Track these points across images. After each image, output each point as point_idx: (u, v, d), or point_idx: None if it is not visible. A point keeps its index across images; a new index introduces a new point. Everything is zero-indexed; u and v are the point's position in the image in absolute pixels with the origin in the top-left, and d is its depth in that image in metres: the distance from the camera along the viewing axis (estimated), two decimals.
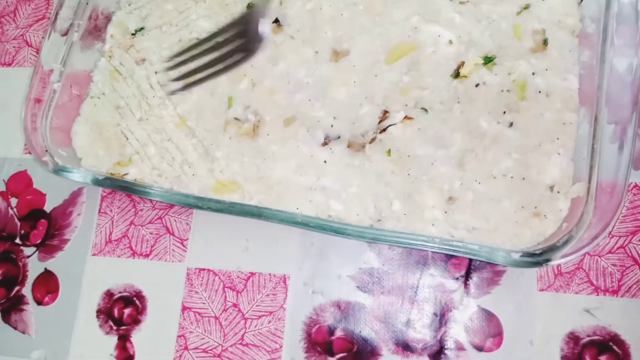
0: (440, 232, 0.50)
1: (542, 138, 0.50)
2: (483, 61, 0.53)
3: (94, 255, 0.62)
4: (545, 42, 0.53)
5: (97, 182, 0.54)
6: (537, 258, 0.45)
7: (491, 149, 0.50)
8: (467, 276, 0.54)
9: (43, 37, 0.70)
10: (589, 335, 0.51)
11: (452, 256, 0.54)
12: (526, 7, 0.54)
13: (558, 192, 0.48)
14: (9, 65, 0.71)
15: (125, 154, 0.58)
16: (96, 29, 0.63)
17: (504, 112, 0.51)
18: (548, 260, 0.44)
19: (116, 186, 0.55)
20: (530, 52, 0.53)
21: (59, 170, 0.55)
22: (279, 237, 0.58)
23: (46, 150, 0.56)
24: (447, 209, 0.50)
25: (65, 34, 0.60)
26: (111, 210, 0.63)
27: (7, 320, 0.62)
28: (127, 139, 0.59)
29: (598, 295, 0.52)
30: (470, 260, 0.54)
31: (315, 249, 0.57)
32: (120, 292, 0.60)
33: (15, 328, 0.61)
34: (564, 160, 0.49)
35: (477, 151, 0.51)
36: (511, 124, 0.51)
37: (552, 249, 0.45)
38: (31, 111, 0.57)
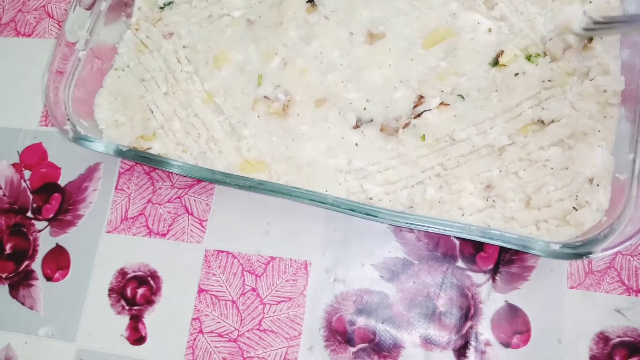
0: (476, 221, 0.48)
1: (584, 130, 0.49)
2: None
3: (108, 232, 0.60)
4: None
5: (120, 153, 0.52)
6: (577, 250, 0.43)
7: (532, 138, 0.49)
8: (495, 270, 0.52)
9: (66, 9, 0.69)
10: (619, 336, 0.50)
11: (480, 249, 0.53)
12: None
13: (597, 185, 0.47)
14: (29, 36, 0.69)
15: (149, 127, 0.57)
16: (122, 2, 0.62)
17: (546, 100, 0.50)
18: (589, 253, 0.43)
19: (140, 158, 0.53)
20: None
21: (80, 139, 0.53)
22: (301, 222, 0.56)
23: (68, 119, 0.54)
24: (483, 197, 0.49)
25: (90, 7, 0.58)
26: (128, 187, 0.61)
27: (14, 295, 0.60)
28: (152, 112, 0.57)
29: (630, 295, 0.50)
30: (499, 253, 0.53)
31: (338, 236, 0.56)
32: (134, 271, 0.58)
33: (22, 303, 0.59)
34: (605, 153, 0.48)
35: (516, 140, 0.49)
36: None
37: (593, 241, 0.43)
38: (54, 81, 0.55)
